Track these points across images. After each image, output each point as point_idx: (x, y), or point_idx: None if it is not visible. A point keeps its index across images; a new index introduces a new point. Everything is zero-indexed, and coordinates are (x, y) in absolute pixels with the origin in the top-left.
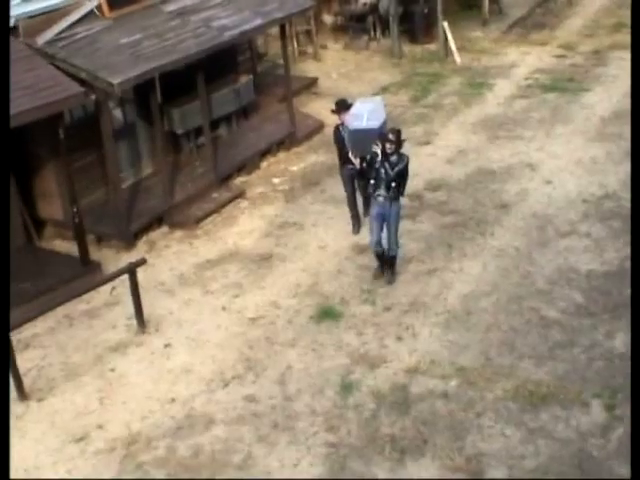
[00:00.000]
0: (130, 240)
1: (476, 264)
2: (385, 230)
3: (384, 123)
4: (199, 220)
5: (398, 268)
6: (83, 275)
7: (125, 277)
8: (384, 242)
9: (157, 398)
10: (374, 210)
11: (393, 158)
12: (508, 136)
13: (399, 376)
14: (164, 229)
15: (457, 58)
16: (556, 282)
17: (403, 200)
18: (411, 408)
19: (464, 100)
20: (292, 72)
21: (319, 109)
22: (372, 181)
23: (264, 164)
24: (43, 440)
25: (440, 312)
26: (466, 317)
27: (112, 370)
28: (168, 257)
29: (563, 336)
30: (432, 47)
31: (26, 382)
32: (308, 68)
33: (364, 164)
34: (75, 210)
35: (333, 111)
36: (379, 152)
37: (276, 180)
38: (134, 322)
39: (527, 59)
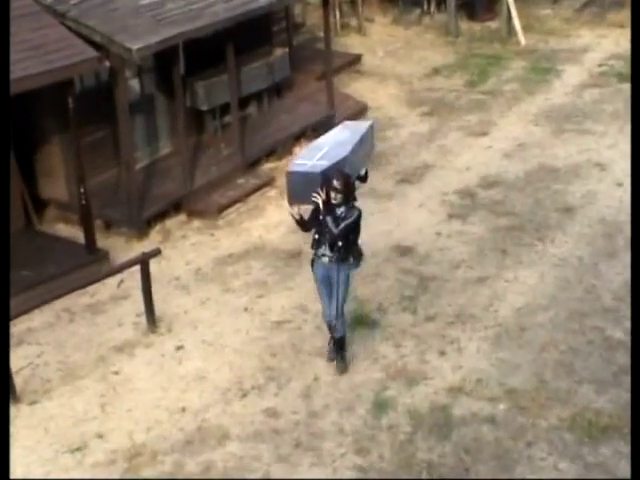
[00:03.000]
0: (142, 228)
1: (533, 274)
2: (334, 302)
3: (345, 161)
4: (222, 209)
5: (444, 274)
6: (88, 264)
7: (135, 269)
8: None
9: (166, 407)
10: (318, 273)
11: (340, 211)
12: (576, 130)
13: (440, 396)
14: (181, 217)
15: (521, 39)
16: (623, 299)
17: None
18: (452, 432)
19: (527, 87)
20: (333, 47)
21: (362, 90)
22: (316, 236)
23: (297, 149)
24: (35, 448)
25: (490, 326)
26: (519, 333)
27: (116, 373)
28: (185, 249)
29: (629, 360)
30: (493, 25)
31: (18, 382)
32: (351, 43)
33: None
34: (82, 191)
35: None
36: (321, 203)
37: None
38: (143, 320)
39: (602, 43)
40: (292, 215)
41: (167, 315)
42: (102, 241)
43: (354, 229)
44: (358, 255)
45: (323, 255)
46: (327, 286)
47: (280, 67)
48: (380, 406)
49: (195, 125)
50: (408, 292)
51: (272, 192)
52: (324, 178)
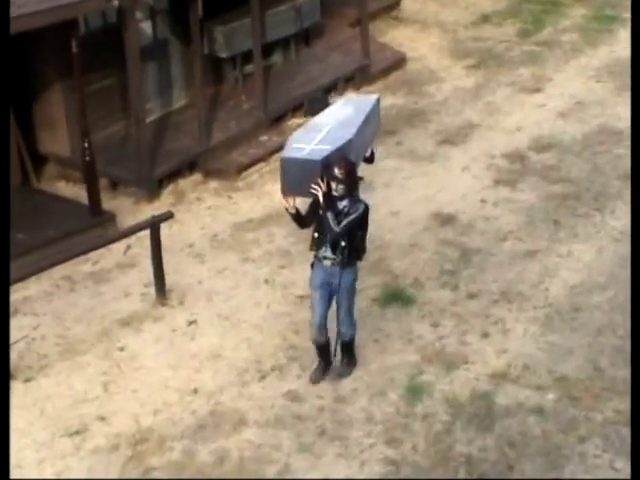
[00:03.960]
0: (153, 188)
1: (589, 248)
2: (338, 309)
3: (350, 145)
4: (241, 169)
5: (489, 247)
6: (91, 228)
7: (144, 234)
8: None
9: (176, 388)
10: (317, 278)
11: (343, 205)
12: None
13: (482, 382)
14: (196, 177)
15: None
16: None
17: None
18: (495, 424)
19: (588, 38)
20: None
21: (400, 39)
22: (315, 235)
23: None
24: (29, 431)
25: (539, 305)
26: (573, 314)
27: (121, 349)
28: (200, 213)
29: None
30: None
31: (12, 357)
32: None
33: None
34: (86, 145)
35: (306, 112)
36: (320, 195)
37: None
38: (152, 291)
39: None
40: (286, 209)
41: (179, 286)
42: (108, 202)
43: (360, 226)
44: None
45: (324, 258)
46: (326, 294)
47: (309, 11)
48: (414, 392)
49: (213, 75)
50: (448, 266)
51: None
52: (324, 166)
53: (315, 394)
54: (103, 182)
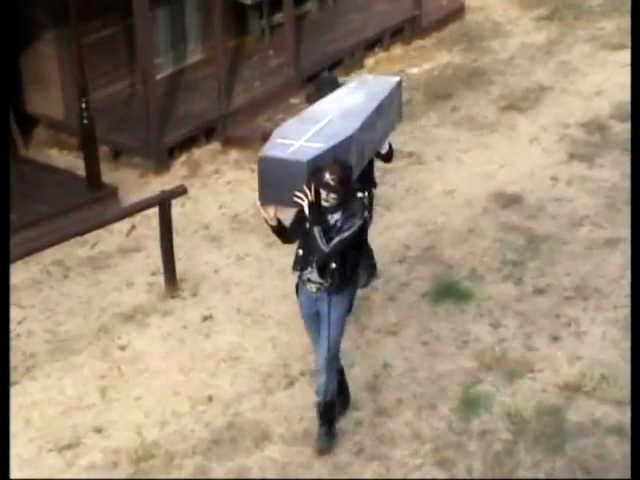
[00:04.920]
0: (163, 158)
1: None
2: (319, 345)
3: (350, 143)
4: (268, 137)
5: (561, 233)
6: (89, 204)
7: (152, 213)
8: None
9: (187, 395)
10: (303, 305)
11: (334, 219)
12: None
13: (551, 394)
14: (214, 146)
15: None
16: None
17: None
18: (566, 444)
19: None
20: None
21: None
22: (299, 252)
23: (370, 61)
24: (12, 444)
25: (620, 304)
26: None
27: (122, 348)
28: (218, 188)
29: None
30: None
31: None
32: None
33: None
34: (83, 106)
35: (308, 96)
36: (306, 206)
37: None
38: (160, 280)
39: None
40: (265, 221)
41: (192, 274)
42: (109, 174)
43: (355, 244)
44: (370, 270)
45: (309, 281)
46: (314, 323)
47: None
48: (470, 405)
49: (235, 24)
50: (512, 255)
51: None
52: (312, 169)
53: (352, 405)
54: (103, 150)
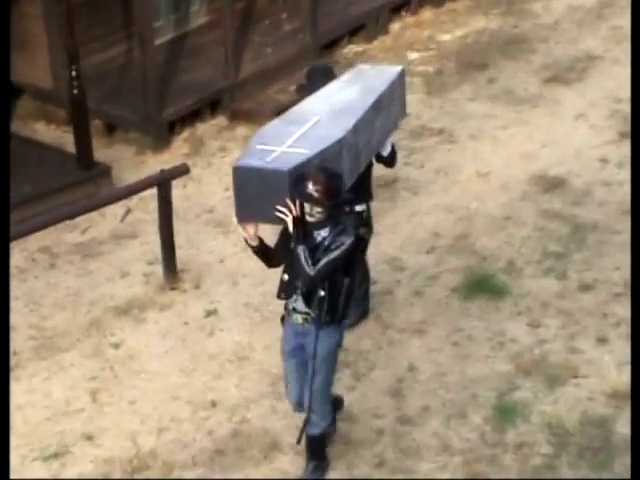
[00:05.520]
0: (162, 134)
1: None
2: (309, 383)
3: (340, 147)
4: (280, 110)
5: (610, 222)
6: (80, 184)
7: (149, 195)
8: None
9: (188, 399)
10: (287, 340)
11: (321, 236)
12: None
13: (597, 403)
14: (220, 120)
15: None
16: None
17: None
18: (614, 459)
19: None
20: None
21: None
22: (284, 277)
23: (396, 26)
24: None
25: None
26: None
27: (116, 346)
28: (223, 168)
29: None
30: None
31: None
32: None
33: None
34: (74, 74)
35: (299, 88)
36: (290, 223)
37: (414, 55)
38: (159, 270)
39: None
40: (245, 240)
41: (194, 264)
42: (102, 151)
43: (348, 267)
44: (364, 306)
45: (294, 310)
46: (298, 361)
47: None
48: (505, 413)
49: None
50: (554, 246)
51: None
52: (295, 179)
53: (372, 412)
54: (96, 124)
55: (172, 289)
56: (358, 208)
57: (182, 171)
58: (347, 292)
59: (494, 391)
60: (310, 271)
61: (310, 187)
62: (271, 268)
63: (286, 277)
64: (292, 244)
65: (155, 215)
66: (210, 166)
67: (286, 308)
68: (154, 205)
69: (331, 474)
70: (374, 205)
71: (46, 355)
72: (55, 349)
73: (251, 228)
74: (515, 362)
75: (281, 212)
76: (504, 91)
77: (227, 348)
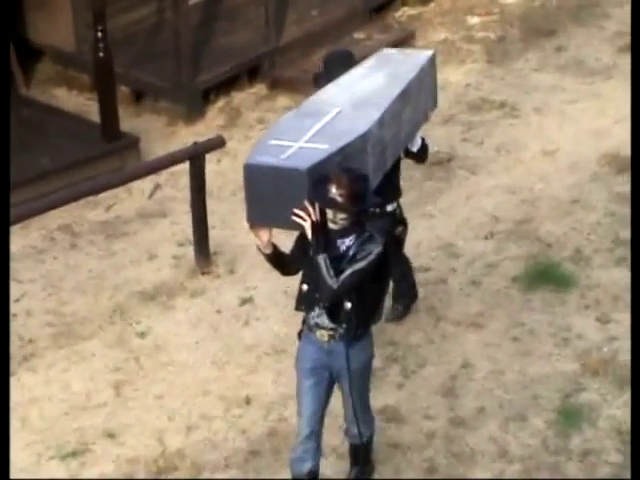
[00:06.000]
0: (196, 103)
1: None
2: (345, 402)
3: (363, 142)
4: None
5: None
6: (104, 157)
7: (181, 169)
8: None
9: (220, 394)
10: (306, 357)
11: (345, 244)
12: None
13: None
14: (259, 89)
15: None
16: None
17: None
18: None
19: None
20: None
21: None
22: (303, 287)
23: None
24: None
25: None
26: None
27: (141, 335)
28: None
29: None
30: None
31: None
32: None
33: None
34: (99, 36)
35: (315, 77)
36: (308, 228)
37: (474, 20)
38: (190, 252)
39: None
40: (258, 247)
41: (228, 247)
42: (129, 120)
43: (375, 277)
44: (409, 295)
45: (317, 326)
46: (317, 381)
47: None
48: (570, 417)
49: None
50: (627, 233)
51: None
52: (315, 180)
53: (422, 413)
54: (123, 91)
55: (204, 274)
56: (389, 208)
57: (217, 144)
58: (377, 300)
59: (558, 392)
60: (333, 283)
61: (333, 191)
62: (286, 276)
63: (305, 287)
64: (311, 252)
65: (186, 192)
66: (247, 139)
67: (305, 322)
68: (185, 181)
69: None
70: (428, 185)
71: (65, 344)
72: (75, 337)
73: (264, 234)
74: (581, 361)
75: (298, 216)
76: (574, 61)
77: (263, 339)
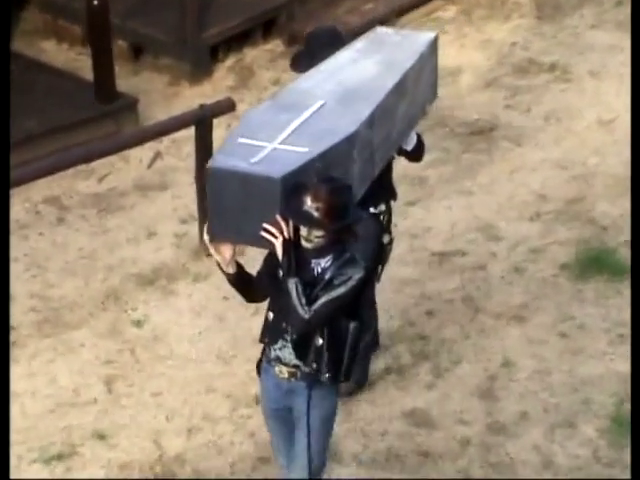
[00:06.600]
0: (202, 60)
1: None
2: (295, 443)
3: (350, 145)
4: (350, 36)
5: None
6: (98, 120)
7: (185, 135)
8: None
9: (225, 392)
10: (267, 396)
11: (321, 266)
12: None
13: None
14: (275, 45)
15: None
16: None
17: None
18: None
19: None
20: None
21: None
22: (269, 315)
23: None
24: None
25: None
26: None
27: (138, 324)
28: None
29: None
30: None
31: None
32: None
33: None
34: None
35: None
36: (278, 247)
37: None
38: (194, 230)
39: None
40: (218, 265)
41: None
42: (126, 79)
43: (353, 306)
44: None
45: (278, 360)
46: (284, 423)
47: None
48: (625, 425)
49: None
50: None
51: (449, 10)
52: (289, 190)
53: (456, 417)
54: (120, 46)
55: (209, 255)
56: (372, 210)
57: (226, 107)
58: (354, 341)
59: (611, 397)
60: (304, 313)
61: (308, 204)
62: (251, 303)
63: (271, 316)
64: (280, 273)
65: (190, 161)
66: (260, 102)
67: (265, 355)
68: (190, 149)
69: None
70: (466, 158)
71: (51, 332)
72: (62, 325)
73: (227, 250)
74: None
75: (268, 232)
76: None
77: None
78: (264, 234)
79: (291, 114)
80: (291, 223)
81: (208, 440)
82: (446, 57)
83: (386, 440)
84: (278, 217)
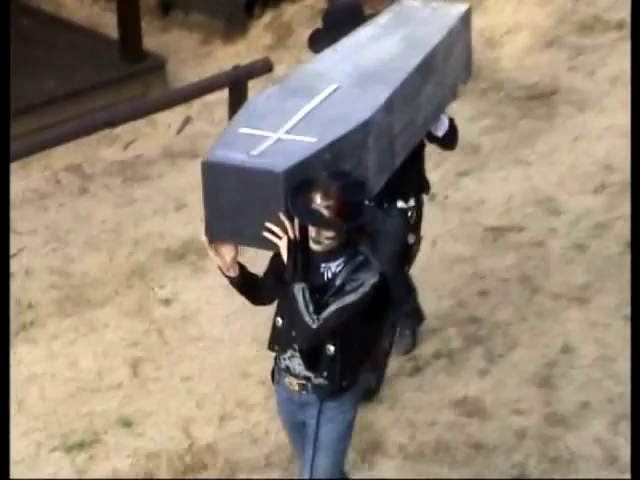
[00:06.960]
0: (237, 16)
1: None
2: (304, 458)
3: (365, 134)
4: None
5: None
6: (124, 81)
7: (218, 98)
8: None
9: (260, 378)
10: (281, 409)
11: (332, 271)
12: None
13: None
14: (316, 1)
15: None
16: None
17: None
18: None
19: None
20: None
21: None
22: (278, 321)
23: None
24: None
25: None
26: None
27: (166, 303)
28: None
29: None
30: None
31: None
32: None
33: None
34: None
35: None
36: (283, 248)
37: None
38: None
39: None
40: (219, 268)
41: None
42: (154, 37)
43: (371, 312)
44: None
45: (288, 371)
46: (300, 435)
47: None
48: None
49: None
50: None
51: None
52: (294, 186)
53: (511, 407)
54: (147, 1)
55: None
56: (401, 204)
57: (262, 68)
58: (370, 344)
59: None
60: (312, 322)
61: (318, 201)
62: (257, 305)
63: (280, 322)
64: (286, 277)
65: (223, 127)
66: (300, 63)
67: (277, 364)
68: (222, 113)
69: None
70: (523, 125)
71: (72, 311)
72: (84, 303)
73: (228, 252)
74: None
75: (271, 232)
76: None
77: None
78: (267, 234)
79: (300, 100)
80: (297, 222)
81: (242, 429)
82: (502, 14)
83: (434, 431)
84: (282, 216)
